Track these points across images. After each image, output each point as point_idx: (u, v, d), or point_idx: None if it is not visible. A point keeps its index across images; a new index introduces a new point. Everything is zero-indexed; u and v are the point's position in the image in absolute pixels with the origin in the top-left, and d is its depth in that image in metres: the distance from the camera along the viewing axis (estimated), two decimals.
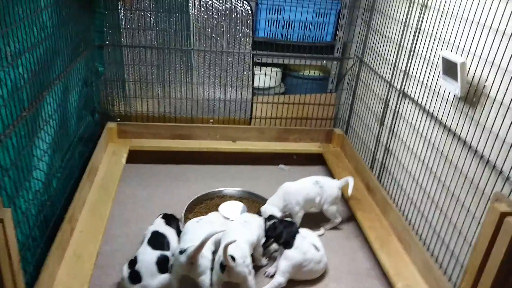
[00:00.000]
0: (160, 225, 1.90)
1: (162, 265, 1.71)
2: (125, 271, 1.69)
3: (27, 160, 1.61)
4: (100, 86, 2.68)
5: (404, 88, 2.21)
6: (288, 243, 1.89)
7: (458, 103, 1.76)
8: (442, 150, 1.86)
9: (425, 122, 2.01)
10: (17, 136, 1.48)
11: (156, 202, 2.39)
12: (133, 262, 1.70)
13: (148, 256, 1.70)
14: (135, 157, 2.67)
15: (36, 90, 1.67)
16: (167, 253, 1.75)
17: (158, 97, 2.78)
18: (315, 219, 2.32)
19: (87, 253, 1.83)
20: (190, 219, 2.22)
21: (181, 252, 1.64)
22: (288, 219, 2.17)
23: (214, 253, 1.83)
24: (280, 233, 1.91)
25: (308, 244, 1.92)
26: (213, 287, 1.66)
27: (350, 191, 2.25)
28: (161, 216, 1.99)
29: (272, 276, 1.92)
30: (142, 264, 1.67)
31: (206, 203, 2.39)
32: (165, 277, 1.70)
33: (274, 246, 2.09)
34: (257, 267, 1.96)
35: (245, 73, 2.80)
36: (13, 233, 1.15)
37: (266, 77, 2.86)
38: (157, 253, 1.72)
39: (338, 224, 2.31)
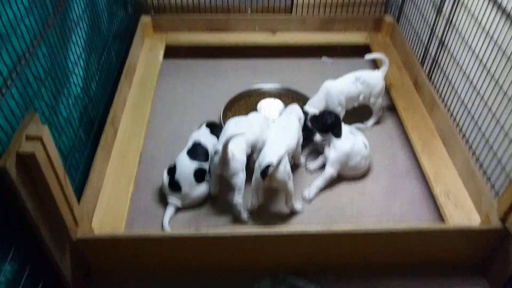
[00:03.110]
0: (202, 135, 1.88)
1: (200, 176, 1.75)
2: (165, 178, 1.76)
3: (62, 67, 1.60)
4: None
5: None
6: (337, 132, 1.86)
7: None
8: (506, 48, 1.64)
9: (490, 13, 1.75)
10: (46, 45, 1.45)
11: (195, 98, 2.39)
12: (172, 170, 1.75)
13: (186, 168, 1.73)
14: (172, 52, 2.61)
15: None
16: (205, 164, 1.78)
17: None
18: (355, 115, 2.25)
19: (131, 152, 1.93)
20: (229, 116, 2.23)
21: (215, 153, 1.68)
22: None
23: (251, 155, 1.86)
24: (326, 122, 1.87)
25: (355, 137, 1.91)
26: (252, 192, 1.72)
27: (371, 56, 2.23)
28: (205, 124, 1.97)
29: (312, 172, 1.97)
30: (180, 175, 1.72)
31: (244, 100, 2.36)
32: (203, 187, 1.77)
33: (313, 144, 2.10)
34: (296, 166, 1.99)
35: None
36: (54, 149, 1.20)
37: None
38: (195, 165, 1.75)
39: (380, 117, 2.24)
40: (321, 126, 1.89)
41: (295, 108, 1.93)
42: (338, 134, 1.87)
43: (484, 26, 1.78)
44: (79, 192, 1.62)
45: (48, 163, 1.17)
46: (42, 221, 1.23)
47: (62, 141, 1.55)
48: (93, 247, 1.45)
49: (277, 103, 2.28)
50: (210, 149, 1.82)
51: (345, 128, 1.91)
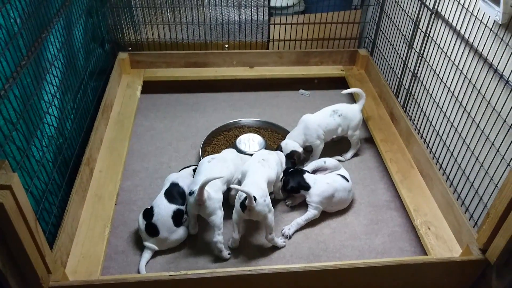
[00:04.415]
0: (181, 176, 1.84)
1: (178, 219, 1.71)
2: (141, 222, 1.70)
3: (36, 108, 1.57)
4: (106, 14, 2.52)
5: (437, 7, 1.96)
6: (304, 187, 1.88)
7: (498, 30, 1.55)
8: (476, 82, 1.69)
9: (458, 49, 1.81)
10: (18, 88, 1.42)
11: (173, 134, 2.37)
12: (149, 213, 1.69)
13: (164, 210, 1.68)
14: (150, 87, 2.60)
15: (34, 33, 1.57)
16: (183, 207, 1.74)
17: (169, 23, 2.61)
18: (334, 148, 2.26)
19: (107, 193, 1.87)
20: (208, 152, 2.22)
21: (190, 193, 1.64)
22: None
23: (228, 190, 1.84)
24: (290, 188, 1.89)
25: (330, 175, 1.93)
26: (233, 225, 1.70)
27: (348, 91, 2.26)
28: (192, 168, 1.92)
29: (292, 207, 1.95)
30: (158, 218, 1.67)
31: (224, 135, 2.35)
32: (181, 230, 1.72)
33: None
34: (276, 200, 1.98)
35: None
36: (24, 196, 1.15)
37: None
38: (172, 207, 1.70)
39: (358, 149, 2.26)
40: (290, 191, 1.92)
41: (278, 152, 1.98)
42: (307, 187, 1.87)
43: (453, 59, 1.84)
44: (53, 236, 1.56)
45: (17, 212, 1.12)
46: (12, 272, 1.17)
47: (34, 185, 1.50)
48: None
49: (257, 138, 2.27)
50: (187, 191, 1.80)
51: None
